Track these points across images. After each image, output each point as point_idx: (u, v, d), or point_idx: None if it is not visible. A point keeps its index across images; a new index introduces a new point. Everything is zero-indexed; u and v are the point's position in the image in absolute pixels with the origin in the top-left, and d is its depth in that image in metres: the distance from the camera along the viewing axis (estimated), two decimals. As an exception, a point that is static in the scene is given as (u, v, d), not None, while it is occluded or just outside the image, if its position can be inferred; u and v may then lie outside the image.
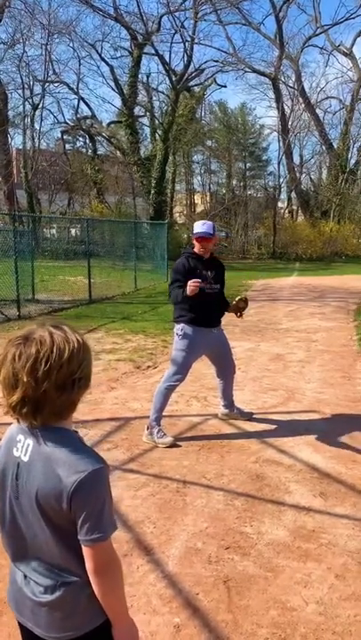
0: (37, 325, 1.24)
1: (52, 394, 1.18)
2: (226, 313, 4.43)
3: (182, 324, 4.14)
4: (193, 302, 4.04)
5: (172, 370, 4.21)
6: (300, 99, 33.02)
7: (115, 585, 1.26)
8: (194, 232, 4.22)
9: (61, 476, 1.19)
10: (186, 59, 27.94)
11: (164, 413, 4.25)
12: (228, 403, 4.63)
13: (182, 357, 4.15)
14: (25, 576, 1.31)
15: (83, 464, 1.20)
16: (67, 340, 1.21)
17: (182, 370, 4.19)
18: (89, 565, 1.22)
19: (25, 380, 1.17)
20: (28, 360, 1.17)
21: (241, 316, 4.51)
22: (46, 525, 1.23)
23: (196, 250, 4.21)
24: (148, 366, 6.45)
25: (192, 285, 3.89)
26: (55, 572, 1.26)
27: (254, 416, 4.70)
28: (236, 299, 4.42)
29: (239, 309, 4.44)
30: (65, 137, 37.64)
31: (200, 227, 4.20)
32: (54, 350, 1.18)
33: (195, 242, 4.20)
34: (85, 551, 1.22)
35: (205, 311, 4.14)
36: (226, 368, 4.46)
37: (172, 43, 28.92)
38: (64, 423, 1.27)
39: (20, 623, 1.37)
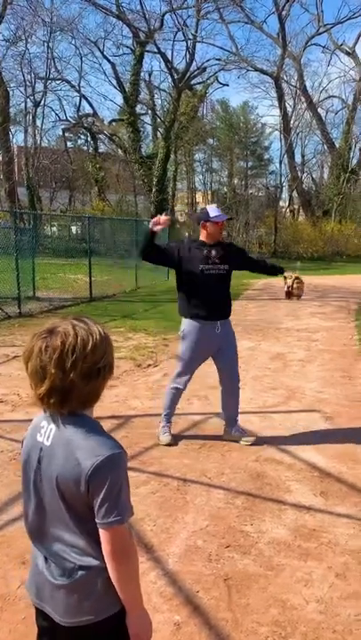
0: (60, 320, 1.30)
1: (78, 383, 1.24)
2: (232, 307, 4.06)
3: (187, 320, 3.91)
4: (191, 289, 3.75)
5: (178, 370, 4.07)
6: (303, 98, 32.98)
7: (131, 570, 1.28)
8: (211, 216, 3.81)
9: (80, 459, 1.23)
10: (188, 57, 28.09)
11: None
12: (228, 417, 4.14)
13: (186, 357, 3.98)
14: (46, 559, 1.33)
15: (101, 448, 1.24)
16: (90, 331, 1.27)
17: (187, 370, 4.02)
18: (106, 549, 1.25)
19: (52, 371, 1.22)
20: (54, 352, 1.22)
21: (290, 297, 4.14)
22: (65, 509, 1.26)
23: (209, 236, 3.87)
24: (149, 364, 6.45)
25: (158, 220, 3.58)
26: (74, 556, 1.28)
27: (255, 415, 4.68)
28: (291, 279, 4.01)
29: (292, 294, 4.10)
30: (66, 134, 37.70)
31: (216, 210, 3.86)
32: (79, 341, 1.24)
33: (210, 226, 3.83)
34: (102, 534, 1.25)
35: (207, 297, 3.79)
36: (226, 373, 4.06)
37: (174, 41, 28.97)
38: (87, 412, 1.32)
39: (37, 610, 1.39)
